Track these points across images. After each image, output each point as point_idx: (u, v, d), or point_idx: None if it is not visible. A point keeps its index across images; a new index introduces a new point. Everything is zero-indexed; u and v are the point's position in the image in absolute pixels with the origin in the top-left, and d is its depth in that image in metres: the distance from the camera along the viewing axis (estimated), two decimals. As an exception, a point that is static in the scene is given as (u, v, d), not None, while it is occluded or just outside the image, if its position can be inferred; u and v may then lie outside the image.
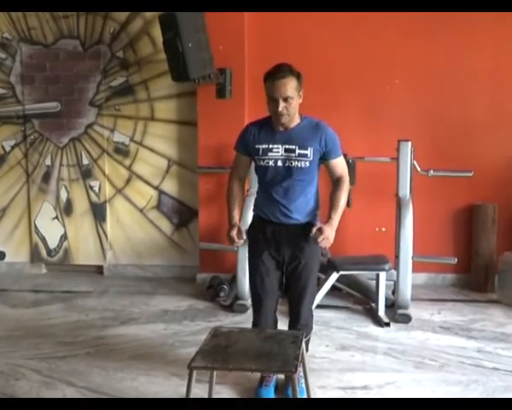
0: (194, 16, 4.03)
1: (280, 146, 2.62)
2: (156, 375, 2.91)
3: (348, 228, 4.32)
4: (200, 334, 3.30)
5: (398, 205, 3.88)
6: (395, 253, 3.86)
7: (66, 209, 4.94)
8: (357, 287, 4.10)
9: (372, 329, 3.62)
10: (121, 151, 4.84)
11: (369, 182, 4.33)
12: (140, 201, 4.87)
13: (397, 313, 3.74)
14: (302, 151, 2.60)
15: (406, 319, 3.71)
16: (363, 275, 4.08)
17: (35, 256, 5.01)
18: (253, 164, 2.75)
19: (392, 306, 3.86)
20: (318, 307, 3.75)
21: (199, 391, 2.51)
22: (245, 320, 3.63)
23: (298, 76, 2.56)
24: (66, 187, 4.92)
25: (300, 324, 2.70)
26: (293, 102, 2.54)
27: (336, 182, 2.70)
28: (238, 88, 4.40)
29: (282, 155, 2.61)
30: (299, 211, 2.64)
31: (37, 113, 4.86)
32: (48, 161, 4.90)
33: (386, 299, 3.85)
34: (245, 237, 2.67)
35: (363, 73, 4.47)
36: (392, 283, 3.96)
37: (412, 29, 4.39)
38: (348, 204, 4.19)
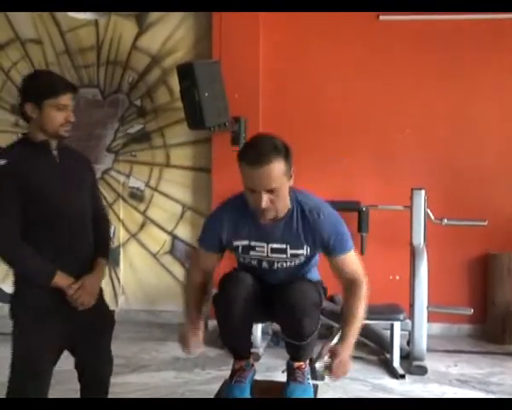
0: (210, 66, 4.15)
1: (265, 245, 2.03)
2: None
3: (362, 276, 4.26)
4: (211, 383, 3.24)
5: (412, 254, 3.84)
6: (409, 302, 3.81)
7: (81, 253, 4.97)
8: (370, 336, 4.03)
9: (387, 381, 3.53)
10: (136, 196, 4.91)
11: (382, 230, 4.32)
12: (153, 245, 4.90)
13: (412, 364, 3.66)
14: (295, 251, 2.04)
15: (422, 371, 3.63)
16: (377, 324, 4.02)
17: (48, 300, 5.01)
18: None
19: (407, 357, 3.77)
20: (331, 356, 3.69)
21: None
22: (257, 369, 3.57)
23: (285, 154, 1.91)
24: (81, 231, 4.96)
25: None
26: (280, 193, 1.91)
27: (349, 287, 2.04)
28: (252, 136, 4.46)
29: (267, 256, 2.04)
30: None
31: (55, 158, 4.97)
32: (64, 205, 4.97)
33: (401, 350, 3.77)
34: (202, 347, 2.18)
35: (375, 121, 4.53)
36: (407, 333, 3.89)
37: (422, 78, 4.46)
38: (362, 251, 4.20)
